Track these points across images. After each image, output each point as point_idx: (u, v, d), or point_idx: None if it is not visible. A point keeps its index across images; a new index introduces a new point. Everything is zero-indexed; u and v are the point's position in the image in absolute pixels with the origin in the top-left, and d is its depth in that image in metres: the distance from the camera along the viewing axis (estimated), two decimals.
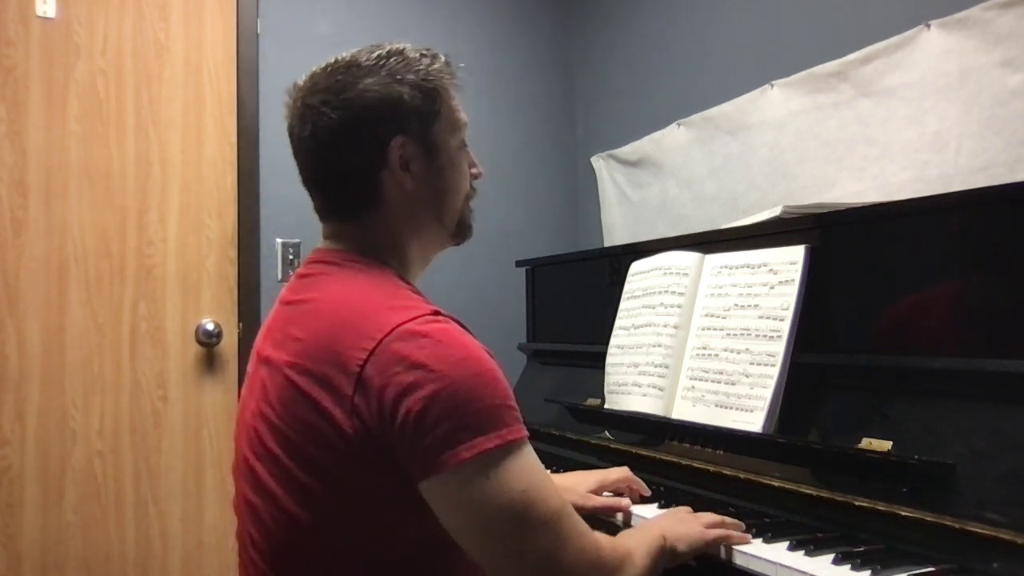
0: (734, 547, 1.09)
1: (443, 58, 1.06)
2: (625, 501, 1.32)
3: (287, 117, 1.05)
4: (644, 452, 1.50)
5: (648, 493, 1.36)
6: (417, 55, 1.03)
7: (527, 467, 0.90)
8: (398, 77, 1.00)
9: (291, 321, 0.99)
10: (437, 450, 0.85)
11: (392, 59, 1.01)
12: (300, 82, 1.04)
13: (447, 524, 0.90)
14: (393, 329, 0.89)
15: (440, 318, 0.93)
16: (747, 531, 1.12)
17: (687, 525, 1.10)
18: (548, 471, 0.98)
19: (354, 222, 1.04)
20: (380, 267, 1.02)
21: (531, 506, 0.88)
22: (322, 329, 0.93)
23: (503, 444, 0.87)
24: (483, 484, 0.86)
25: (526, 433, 0.91)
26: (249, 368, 1.09)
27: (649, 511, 1.29)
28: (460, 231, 1.11)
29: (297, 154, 1.05)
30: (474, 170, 1.11)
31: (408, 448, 0.87)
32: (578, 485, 1.33)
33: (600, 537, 0.95)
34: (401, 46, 1.04)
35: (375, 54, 1.02)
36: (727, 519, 1.14)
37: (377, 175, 1.01)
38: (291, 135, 1.05)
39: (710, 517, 1.14)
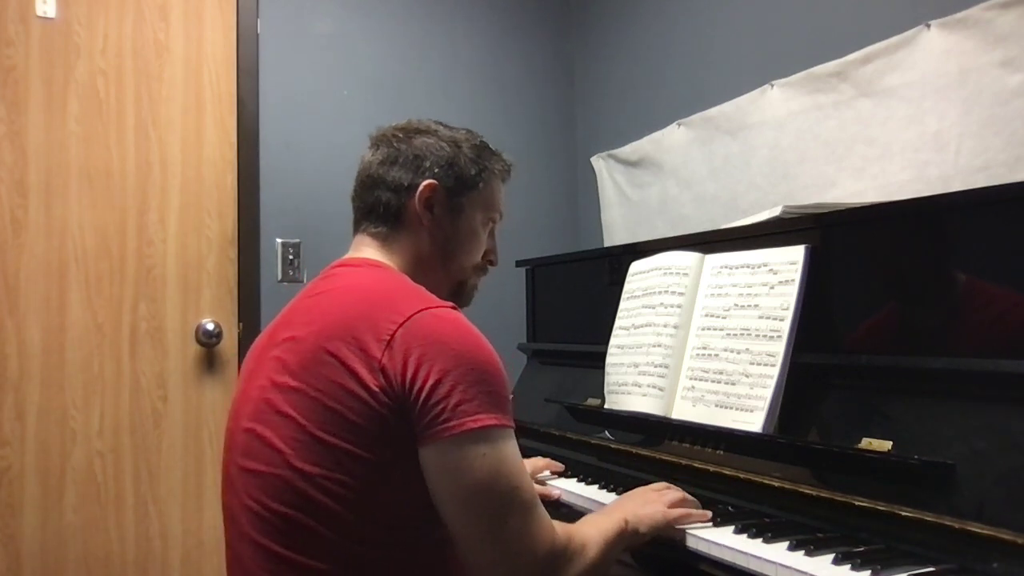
0: (733, 547, 1.08)
1: (506, 158, 1.26)
2: (556, 492, 1.47)
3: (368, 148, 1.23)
4: (644, 452, 1.50)
5: (561, 468, 1.53)
6: (486, 144, 1.24)
7: (516, 455, 1.00)
8: (461, 147, 1.20)
9: (319, 305, 1.09)
10: (445, 417, 0.95)
11: (463, 133, 1.22)
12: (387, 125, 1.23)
13: (436, 492, 0.97)
14: (422, 309, 1.00)
15: (460, 312, 1.05)
16: (746, 531, 1.12)
17: (651, 506, 1.17)
18: None
19: (381, 237, 1.17)
20: (399, 273, 1.14)
21: (514, 490, 0.97)
22: (355, 304, 1.04)
23: (503, 426, 0.98)
24: (479, 457, 0.95)
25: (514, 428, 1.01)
26: (250, 361, 1.15)
27: (569, 484, 1.49)
28: (459, 291, 1.24)
29: (359, 175, 1.22)
30: (491, 256, 1.27)
31: (420, 412, 0.96)
32: None
33: (559, 526, 1.02)
34: (480, 135, 1.25)
35: (454, 128, 1.23)
36: (689, 497, 1.22)
37: (405, 197, 1.17)
38: (362, 160, 1.22)
39: (674, 495, 1.21)
